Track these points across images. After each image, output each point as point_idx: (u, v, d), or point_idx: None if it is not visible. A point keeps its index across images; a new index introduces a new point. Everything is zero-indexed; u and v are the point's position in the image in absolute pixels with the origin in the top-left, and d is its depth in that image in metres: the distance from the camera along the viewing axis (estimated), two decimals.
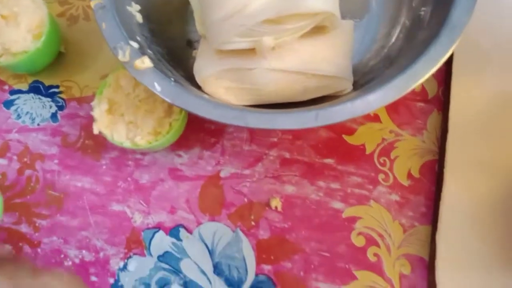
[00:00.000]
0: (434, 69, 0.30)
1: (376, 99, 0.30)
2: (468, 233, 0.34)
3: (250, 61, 0.35)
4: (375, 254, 0.36)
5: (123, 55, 0.32)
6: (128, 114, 0.36)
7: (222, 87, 0.36)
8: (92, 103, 0.37)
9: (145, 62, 0.32)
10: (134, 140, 0.36)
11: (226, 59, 0.35)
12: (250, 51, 0.34)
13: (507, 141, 0.37)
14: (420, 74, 0.30)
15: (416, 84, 0.30)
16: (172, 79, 0.33)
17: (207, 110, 0.31)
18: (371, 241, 0.36)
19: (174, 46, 0.41)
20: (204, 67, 0.36)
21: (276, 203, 0.38)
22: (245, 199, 0.39)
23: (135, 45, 0.33)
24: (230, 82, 0.36)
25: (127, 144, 0.36)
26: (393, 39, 0.40)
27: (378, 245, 0.36)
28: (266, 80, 0.35)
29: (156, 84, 0.32)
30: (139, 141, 0.35)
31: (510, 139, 0.37)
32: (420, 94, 0.41)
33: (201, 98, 0.32)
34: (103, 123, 0.36)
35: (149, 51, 0.35)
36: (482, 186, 0.35)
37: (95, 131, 0.36)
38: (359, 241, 0.37)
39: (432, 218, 0.37)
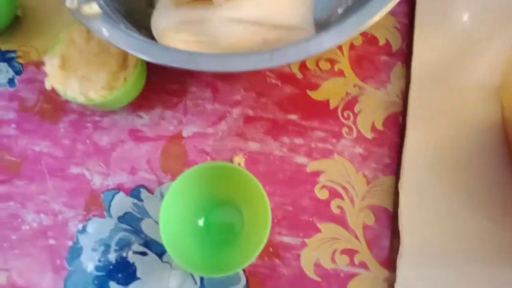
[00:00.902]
0: (388, 7, 0.30)
1: (330, 38, 0.30)
2: (429, 180, 0.34)
3: (207, 11, 0.34)
4: (339, 207, 0.35)
5: (71, 2, 0.31)
6: (81, 69, 0.35)
7: (180, 41, 0.35)
8: (44, 59, 0.36)
9: (93, 8, 0.31)
10: (88, 94, 0.34)
11: (183, 10, 0.34)
12: (207, 1, 0.33)
13: (466, 89, 0.36)
14: (374, 12, 0.30)
15: (370, 21, 0.30)
16: (123, 26, 0.32)
17: (156, 54, 0.30)
18: (334, 194, 0.36)
19: (132, 3, 0.40)
20: (161, 19, 0.35)
21: (239, 160, 0.38)
22: (208, 158, 0.38)
23: None
24: (188, 35, 0.35)
25: (80, 99, 0.34)
26: None
27: (341, 198, 0.36)
28: (224, 31, 0.34)
29: (104, 29, 0.31)
30: (93, 95, 0.34)
31: (469, 87, 0.36)
32: (384, 48, 0.40)
33: (150, 43, 0.30)
34: (56, 79, 0.35)
35: (101, 2, 0.34)
36: (442, 133, 0.35)
37: (47, 86, 0.35)
38: (322, 194, 0.36)
39: (396, 168, 0.36)
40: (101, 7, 0.33)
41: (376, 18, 0.29)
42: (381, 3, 0.30)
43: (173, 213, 0.32)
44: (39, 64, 0.42)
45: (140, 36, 0.33)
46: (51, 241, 0.36)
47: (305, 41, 0.30)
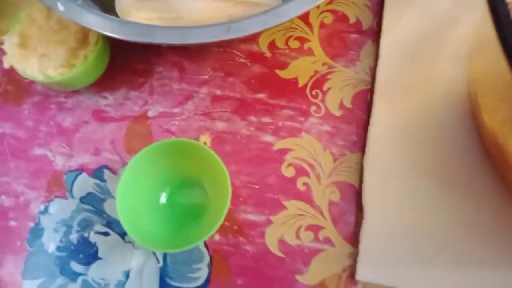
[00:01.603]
0: None
1: (289, 9, 0.29)
2: (395, 156, 0.33)
3: None
4: (305, 184, 0.35)
5: None
6: (40, 46, 0.34)
7: (143, 18, 0.34)
8: (3, 37, 0.35)
9: None
10: (46, 72, 0.33)
11: None
12: None
13: (434, 64, 0.36)
14: None
15: None
16: (79, 1, 0.31)
17: (111, 28, 0.29)
18: (301, 172, 0.35)
19: None
20: None
21: (205, 139, 0.37)
22: (174, 137, 0.37)
23: None
24: (151, 13, 0.34)
25: (39, 77, 0.34)
26: None
27: (308, 175, 0.35)
28: (187, 8, 0.33)
29: (59, 4, 0.30)
30: (51, 73, 0.33)
31: (438, 62, 0.36)
32: (354, 26, 0.40)
33: (106, 17, 0.30)
34: (15, 57, 0.34)
35: None
36: (409, 109, 0.35)
37: (5, 65, 0.34)
38: (289, 172, 0.35)
39: (363, 145, 0.35)
40: None
41: None
42: None
43: (132, 191, 0.31)
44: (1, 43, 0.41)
45: (97, 11, 0.32)
46: (12, 223, 0.35)
47: (263, 13, 0.29)
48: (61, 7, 0.30)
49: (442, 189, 0.32)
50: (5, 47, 0.35)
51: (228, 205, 0.29)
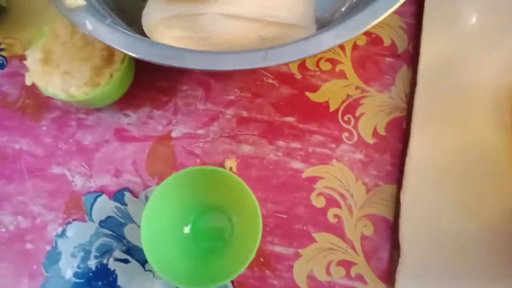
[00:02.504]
0: (393, 8, 0.28)
1: (329, 37, 0.27)
2: (433, 191, 0.31)
3: (200, 5, 0.31)
4: (336, 215, 0.33)
5: None
6: (63, 63, 0.33)
7: (171, 37, 0.33)
8: (26, 53, 0.34)
9: (78, 0, 0.29)
10: (69, 91, 0.32)
11: (174, 4, 0.32)
12: None
13: (475, 94, 0.34)
14: (378, 13, 0.28)
15: (372, 22, 0.27)
16: (108, 20, 0.30)
17: (139, 49, 0.28)
18: (331, 202, 0.34)
19: None
20: (151, 13, 0.33)
21: (231, 163, 0.35)
22: (198, 160, 0.36)
23: None
24: (180, 31, 0.33)
25: (61, 95, 0.32)
26: None
27: (339, 206, 0.33)
28: (218, 27, 0.32)
29: (87, 22, 0.28)
30: (74, 92, 0.32)
31: (478, 92, 0.34)
32: (389, 49, 0.38)
33: (135, 37, 0.28)
34: (37, 73, 0.33)
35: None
36: (449, 141, 0.33)
37: (27, 82, 0.33)
38: (319, 202, 0.34)
39: (398, 176, 0.34)
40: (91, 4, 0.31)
41: (379, 19, 0.27)
42: (386, 3, 0.28)
43: (156, 219, 0.30)
44: (23, 58, 0.39)
45: (126, 30, 0.31)
46: (28, 245, 0.34)
47: (303, 40, 0.28)
48: (89, 26, 0.28)
49: (483, 228, 0.30)
50: (28, 63, 0.33)
51: (258, 241, 0.28)
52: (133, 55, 0.28)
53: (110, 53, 0.33)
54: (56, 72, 0.33)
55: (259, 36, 0.33)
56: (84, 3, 0.29)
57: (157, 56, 0.28)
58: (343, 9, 0.37)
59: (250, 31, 0.32)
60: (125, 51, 0.28)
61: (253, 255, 0.28)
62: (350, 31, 0.27)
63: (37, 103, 0.38)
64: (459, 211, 0.31)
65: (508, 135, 0.33)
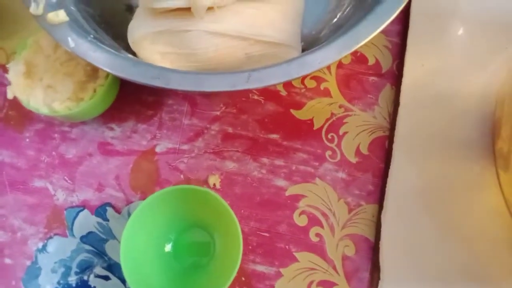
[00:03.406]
0: (375, 32, 0.28)
1: (314, 60, 0.28)
2: (415, 212, 0.32)
3: (187, 22, 0.31)
4: (318, 235, 0.33)
5: (36, 8, 0.29)
6: (46, 77, 0.32)
7: (157, 53, 0.33)
8: (8, 65, 0.33)
9: (60, 16, 0.29)
10: (52, 105, 0.32)
11: (161, 19, 0.32)
12: (187, 12, 0.31)
13: (458, 115, 0.35)
14: (362, 36, 0.28)
15: (356, 45, 0.28)
16: (92, 36, 0.30)
17: (123, 68, 0.28)
18: (314, 221, 0.34)
19: (110, 9, 0.38)
20: (137, 27, 0.33)
21: (214, 180, 0.35)
22: (182, 176, 0.36)
23: None
24: (165, 47, 0.33)
25: (44, 110, 0.32)
26: (344, 8, 0.38)
27: (321, 225, 0.34)
28: (204, 44, 0.32)
29: (70, 39, 0.28)
30: (57, 106, 0.32)
31: (462, 113, 0.35)
32: (374, 68, 0.38)
33: (118, 56, 0.28)
34: (19, 87, 0.33)
35: (72, 8, 0.32)
36: (431, 162, 0.33)
37: (9, 95, 0.33)
38: (301, 221, 0.34)
39: (380, 197, 0.34)
40: (71, 13, 0.31)
41: (364, 41, 0.28)
42: (371, 26, 0.28)
43: (137, 238, 0.30)
44: (6, 69, 0.39)
45: (111, 47, 0.31)
46: (7, 260, 0.34)
47: (286, 62, 0.28)
48: (71, 43, 0.28)
49: (465, 250, 0.31)
50: (10, 76, 0.33)
51: (239, 261, 0.28)
52: (115, 74, 0.28)
53: (94, 68, 0.33)
54: (39, 86, 0.33)
55: (245, 54, 0.33)
56: (67, 18, 0.29)
57: (140, 76, 0.28)
58: (330, 27, 0.38)
59: (236, 49, 0.32)
60: (107, 70, 0.28)
61: (233, 275, 0.28)
62: (333, 55, 0.27)
63: (20, 114, 0.38)
64: (440, 232, 0.31)
65: (491, 157, 0.33)
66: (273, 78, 0.27)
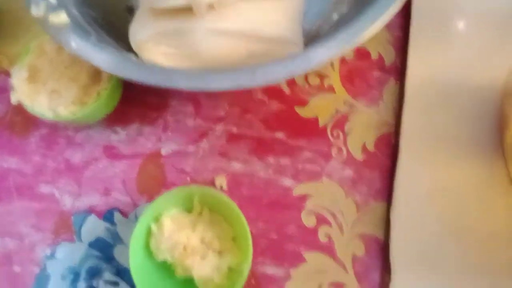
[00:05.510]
0: (379, 25, 0.28)
1: (317, 55, 0.27)
2: (424, 209, 0.31)
3: (188, 22, 0.31)
4: (327, 235, 0.33)
5: (37, 9, 0.29)
6: (51, 82, 0.32)
7: (160, 54, 0.33)
8: (12, 70, 0.33)
9: (61, 17, 0.29)
10: (57, 110, 0.32)
11: (163, 20, 0.32)
12: (188, 11, 0.31)
13: (465, 108, 0.34)
14: (364, 29, 0.28)
15: (360, 39, 0.27)
16: (94, 38, 0.29)
17: (127, 69, 0.28)
18: (322, 221, 0.33)
19: (111, 11, 0.38)
20: (139, 30, 0.33)
21: (221, 181, 0.35)
22: (188, 178, 0.35)
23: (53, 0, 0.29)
24: (168, 48, 0.32)
25: (48, 115, 0.32)
26: (345, 4, 0.38)
27: (329, 225, 0.33)
28: (206, 43, 0.32)
29: (72, 42, 0.28)
30: (62, 111, 0.32)
31: (468, 105, 0.34)
32: (377, 62, 0.38)
33: (122, 57, 0.28)
34: (23, 92, 0.33)
35: (74, 11, 0.32)
36: (439, 157, 0.33)
37: (13, 101, 0.33)
38: (309, 221, 0.33)
39: (388, 194, 0.34)
40: (72, 15, 0.31)
41: (367, 35, 0.27)
42: (373, 19, 0.28)
43: (145, 241, 0.30)
44: (9, 74, 0.40)
45: (114, 48, 0.30)
46: (16, 268, 0.34)
47: (291, 58, 0.28)
48: (74, 45, 0.28)
49: (479, 248, 0.30)
50: (13, 81, 0.33)
51: (248, 267, 0.27)
52: (120, 75, 0.28)
53: (97, 71, 0.33)
54: (43, 91, 0.33)
55: (248, 52, 0.33)
56: (68, 20, 0.29)
57: (144, 77, 0.28)
58: (331, 22, 0.38)
59: (239, 47, 0.32)
60: (111, 71, 0.28)
61: (244, 280, 0.28)
62: (337, 49, 0.27)
63: (25, 119, 0.38)
64: (451, 230, 0.31)
65: (500, 151, 0.33)
66: (279, 74, 0.27)
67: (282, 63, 0.28)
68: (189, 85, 0.28)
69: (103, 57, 0.28)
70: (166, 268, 0.30)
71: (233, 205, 0.29)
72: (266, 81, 0.27)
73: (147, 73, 0.28)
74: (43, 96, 0.32)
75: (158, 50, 0.33)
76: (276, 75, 0.27)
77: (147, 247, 0.30)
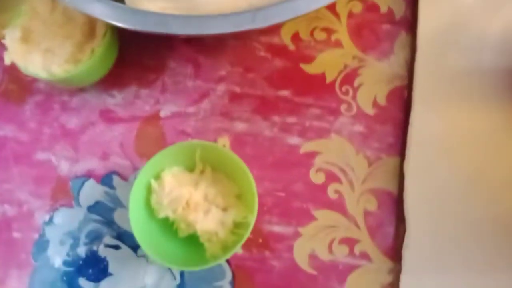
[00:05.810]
0: None
1: None
2: (438, 161, 0.30)
3: None
4: (336, 191, 0.31)
5: None
6: (44, 41, 0.31)
7: (155, 9, 0.31)
8: (5, 31, 0.32)
9: None
10: (50, 69, 0.30)
11: None
12: None
13: (479, 58, 0.32)
14: None
15: None
16: None
17: (122, 17, 0.26)
18: (332, 178, 0.32)
19: None
20: None
21: (224, 141, 0.33)
22: (189, 139, 0.34)
23: None
24: (163, 2, 0.30)
25: (43, 74, 0.30)
26: None
27: (339, 181, 0.32)
28: None
29: None
30: (56, 69, 0.30)
31: (482, 52, 0.32)
32: (386, 15, 0.36)
33: (117, 6, 0.26)
34: (17, 53, 0.31)
35: None
36: (453, 107, 0.31)
37: (7, 61, 0.31)
38: (318, 178, 0.32)
39: (401, 148, 0.32)
40: None
41: None
42: None
43: (145, 198, 0.28)
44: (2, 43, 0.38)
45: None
46: (16, 234, 0.33)
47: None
48: None
49: (493, 199, 0.28)
50: (6, 41, 0.31)
51: (254, 218, 0.26)
52: (115, 23, 0.26)
53: (91, 28, 0.32)
54: (37, 50, 0.31)
55: (249, 4, 0.31)
56: None
57: (140, 24, 0.26)
58: None
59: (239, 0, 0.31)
60: (106, 19, 0.26)
61: (247, 234, 0.26)
62: None
63: (19, 87, 0.36)
64: (466, 180, 0.29)
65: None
66: (280, 15, 0.25)
67: (284, 4, 0.26)
68: (187, 30, 0.26)
69: (97, 6, 0.27)
70: (168, 228, 0.29)
71: (236, 159, 0.28)
72: (267, 23, 0.25)
73: (142, 19, 0.26)
74: (36, 56, 0.31)
75: (154, 5, 0.31)
76: (278, 16, 0.25)
77: (147, 206, 0.29)
